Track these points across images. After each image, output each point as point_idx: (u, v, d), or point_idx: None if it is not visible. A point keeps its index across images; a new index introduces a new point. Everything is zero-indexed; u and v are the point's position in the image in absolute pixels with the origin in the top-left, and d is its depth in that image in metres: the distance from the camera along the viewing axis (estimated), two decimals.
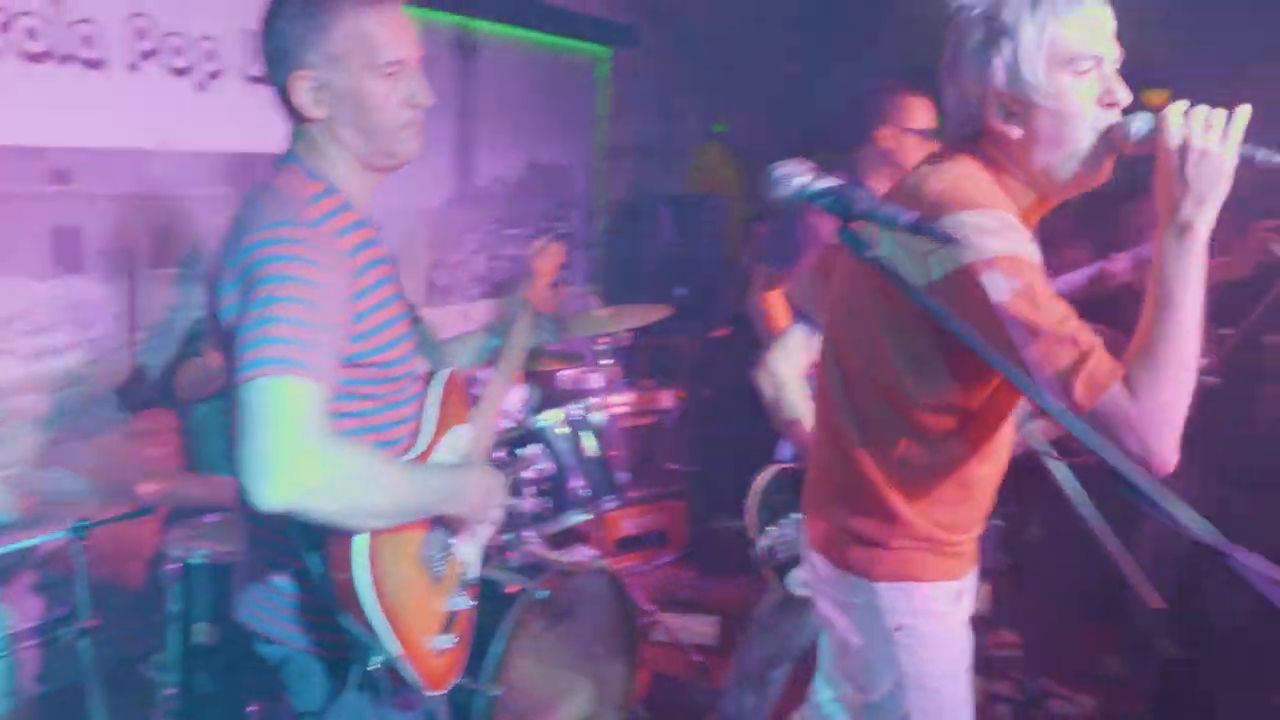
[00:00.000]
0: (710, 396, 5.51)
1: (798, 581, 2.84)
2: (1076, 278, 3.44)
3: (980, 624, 4.23)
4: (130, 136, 3.51)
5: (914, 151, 3.16)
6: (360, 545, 1.65)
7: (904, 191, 1.78)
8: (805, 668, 3.04)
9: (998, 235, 1.60)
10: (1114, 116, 1.67)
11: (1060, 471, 2.05)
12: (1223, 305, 3.63)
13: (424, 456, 1.86)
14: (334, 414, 1.63)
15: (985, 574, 2.49)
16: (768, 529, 2.86)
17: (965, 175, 1.72)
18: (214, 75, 3.76)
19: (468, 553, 2.00)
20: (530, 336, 2.43)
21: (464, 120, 5.09)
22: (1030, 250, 1.63)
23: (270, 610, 1.82)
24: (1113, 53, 1.69)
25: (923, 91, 3.47)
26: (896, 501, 1.84)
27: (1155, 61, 6.95)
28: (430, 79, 4.81)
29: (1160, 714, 3.74)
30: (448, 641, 1.87)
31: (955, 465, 1.83)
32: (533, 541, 3.23)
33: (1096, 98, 1.67)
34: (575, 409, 3.36)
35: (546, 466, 3.12)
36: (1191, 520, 1.20)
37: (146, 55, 3.55)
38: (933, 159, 1.82)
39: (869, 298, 1.79)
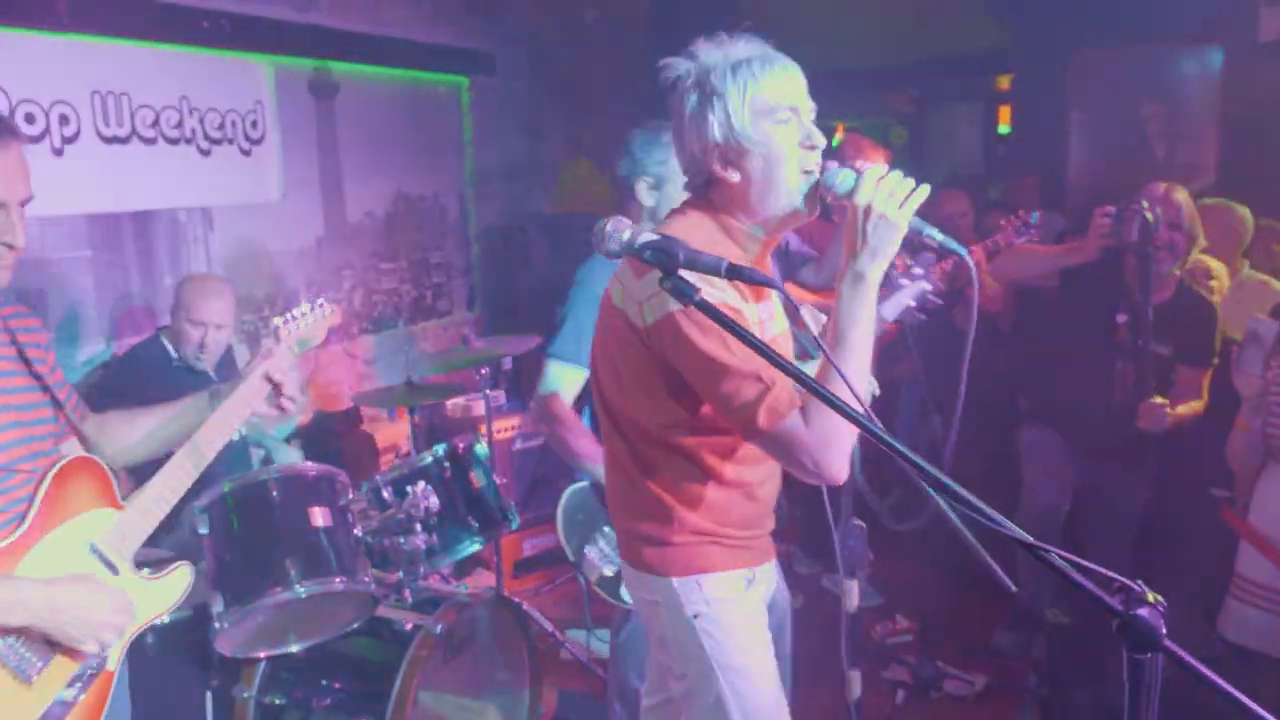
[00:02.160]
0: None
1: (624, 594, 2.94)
2: None
3: (874, 613, 4.37)
4: None
5: None
6: None
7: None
8: None
9: (710, 284, 1.78)
10: (816, 157, 1.94)
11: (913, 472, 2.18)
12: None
13: (16, 549, 1.89)
14: None
15: (850, 572, 2.61)
16: (585, 550, 2.94)
17: (689, 226, 1.98)
18: (69, 139, 3.74)
19: (88, 650, 1.96)
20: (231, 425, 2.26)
21: (329, 159, 5.09)
22: (722, 296, 1.84)
23: None
24: (808, 104, 1.96)
25: None
26: (671, 504, 2.06)
27: (996, 48, 7.28)
28: (292, 120, 4.84)
29: (1050, 682, 3.87)
30: None
31: (712, 472, 2.05)
32: (427, 576, 3.26)
33: (799, 142, 1.93)
34: (457, 440, 3.39)
35: (433, 502, 3.13)
36: (1004, 520, 1.33)
37: None
38: (673, 212, 2.09)
39: (612, 337, 2.03)
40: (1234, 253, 4.33)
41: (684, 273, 1.67)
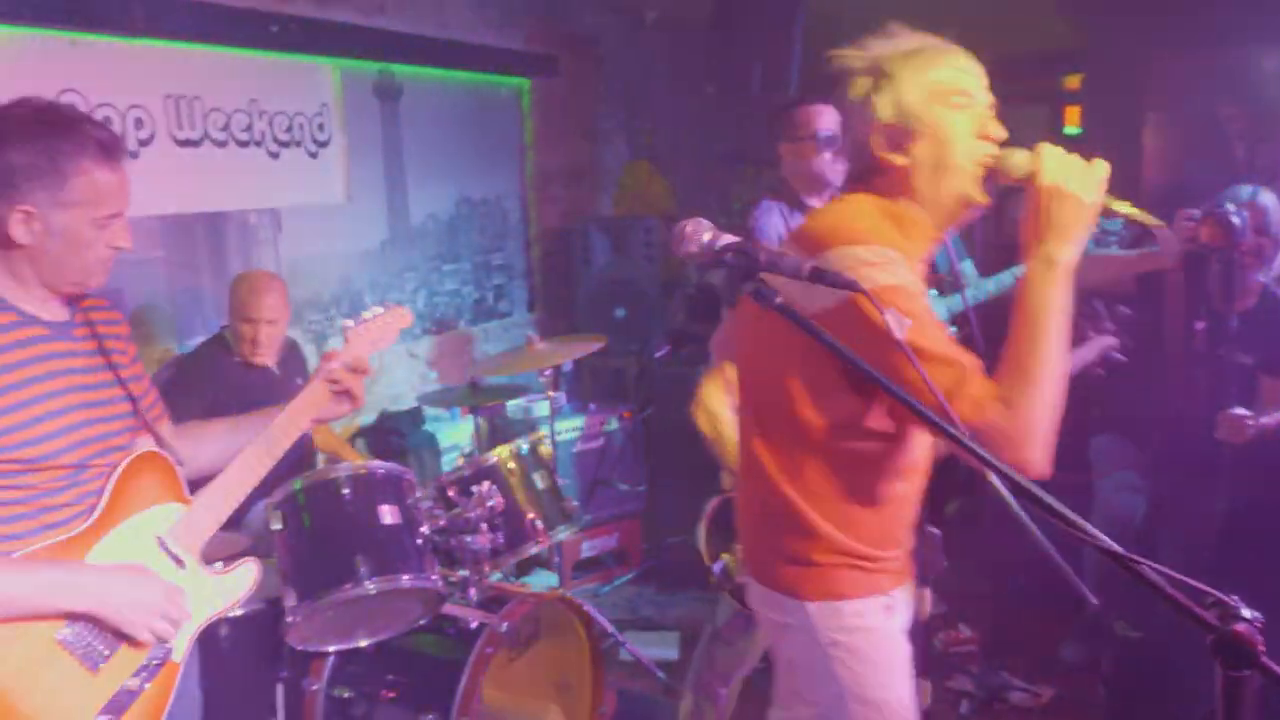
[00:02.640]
0: (655, 415, 5.60)
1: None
2: None
3: (936, 622, 4.33)
4: None
5: (819, 159, 3.27)
6: None
7: (802, 231, 1.96)
8: (754, 684, 3.12)
9: (880, 267, 1.73)
10: (990, 149, 1.84)
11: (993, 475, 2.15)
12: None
13: (85, 539, 1.95)
14: None
15: (924, 580, 2.58)
16: (721, 555, 2.94)
17: (854, 211, 1.89)
18: (144, 142, 3.82)
19: (141, 638, 1.98)
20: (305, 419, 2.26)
21: (393, 161, 5.15)
22: (911, 279, 1.76)
23: None
24: (984, 98, 1.88)
25: (821, 99, 3.56)
26: (816, 521, 1.92)
27: (1064, 48, 7.17)
28: (357, 123, 4.89)
29: (1117, 696, 3.80)
30: None
31: (866, 485, 1.92)
32: (491, 575, 3.28)
33: (973, 131, 1.85)
34: (521, 441, 3.42)
35: (498, 502, 3.17)
36: (1096, 533, 1.27)
37: None
38: (835, 199, 1.98)
39: (773, 336, 1.89)
40: None
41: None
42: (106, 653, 1.94)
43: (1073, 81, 8.42)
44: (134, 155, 3.75)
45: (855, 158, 1.95)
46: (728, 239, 1.66)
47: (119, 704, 1.95)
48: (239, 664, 2.94)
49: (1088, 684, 3.92)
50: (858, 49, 1.92)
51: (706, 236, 1.67)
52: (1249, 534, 3.60)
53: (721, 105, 5.74)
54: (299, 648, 2.89)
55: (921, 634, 2.57)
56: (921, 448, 1.99)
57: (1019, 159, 1.81)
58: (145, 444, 2.15)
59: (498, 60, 5.81)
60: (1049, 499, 1.31)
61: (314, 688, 3.01)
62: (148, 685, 2.00)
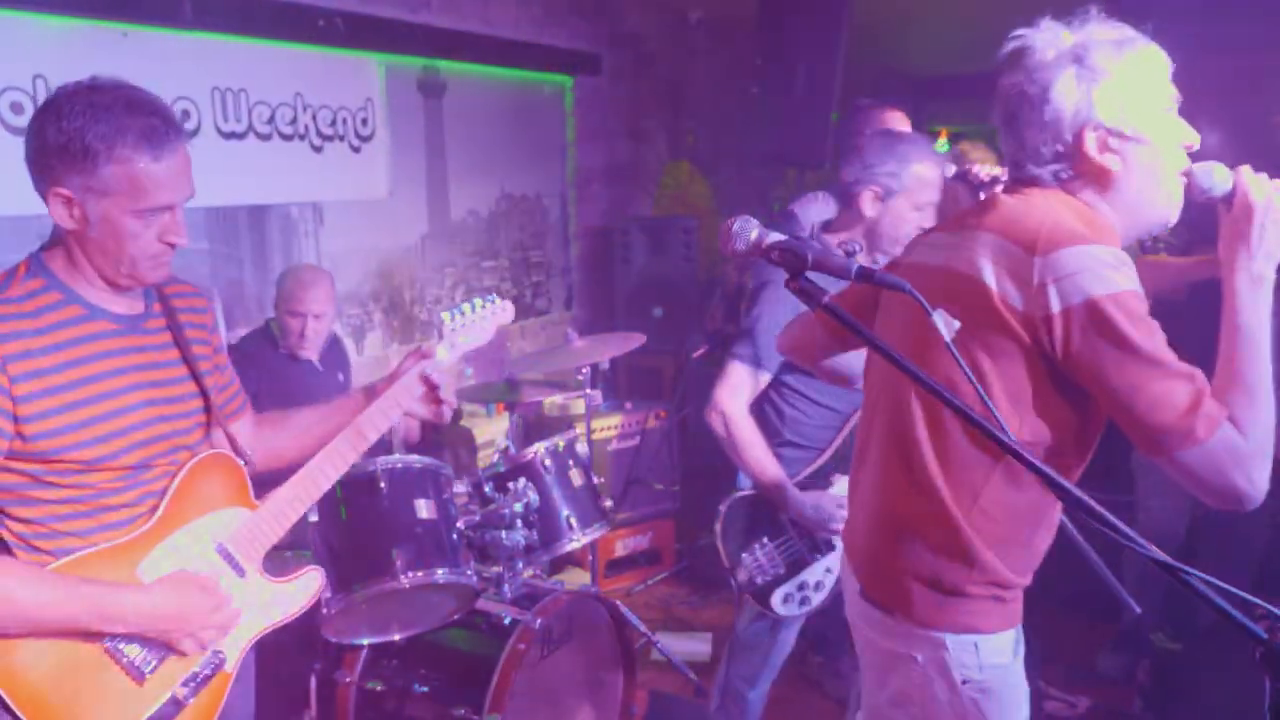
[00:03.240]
0: (691, 415, 5.59)
1: (781, 602, 2.92)
2: None
3: None
4: None
5: None
6: None
7: (994, 227, 1.78)
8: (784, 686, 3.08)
9: (1118, 270, 1.64)
10: (1186, 159, 1.77)
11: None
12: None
13: (143, 542, 1.88)
14: (27, 501, 1.79)
15: None
16: (743, 558, 2.93)
17: (1070, 211, 1.75)
18: (191, 134, 3.83)
19: (186, 650, 1.92)
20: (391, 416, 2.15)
21: (435, 157, 5.17)
22: (1140, 287, 1.66)
23: None
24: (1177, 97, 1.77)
25: (893, 105, 3.53)
26: (975, 544, 1.79)
27: None
28: (401, 119, 4.90)
29: (1156, 708, 3.76)
30: None
31: (1037, 504, 1.81)
32: (525, 572, 3.29)
33: (1178, 140, 1.77)
34: (558, 439, 3.42)
35: (533, 499, 3.17)
36: (1147, 544, 1.24)
37: None
38: (1013, 195, 1.83)
39: (973, 324, 1.71)
40: None
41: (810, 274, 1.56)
42: (154, 661, 1.88)
43: None
44: None
45: (1051, 155, 1.77)
46: (776, 237, 1.62)
47: (165, 715, 1.89)
48: (273, 655, 2.94)
49: (1124, 695, 3.89)
50: (1045, 30, 1.76)
51: (754, 234, 1.64)
52: None
53: (765, 106, 5.69)
54: (333, 640, 2.91)
55: None
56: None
57: (1219, 176, 1.75)
58: (215, 443, 2.08)
59: (541, 58, 5.82)
60: (1099, 508, 1.28)
61: (347, 680, 3.02)
62: (195, 697, 1.93)
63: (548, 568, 4.74)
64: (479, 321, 2.28)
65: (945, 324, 1.44)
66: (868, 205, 2.76)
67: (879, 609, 1.92)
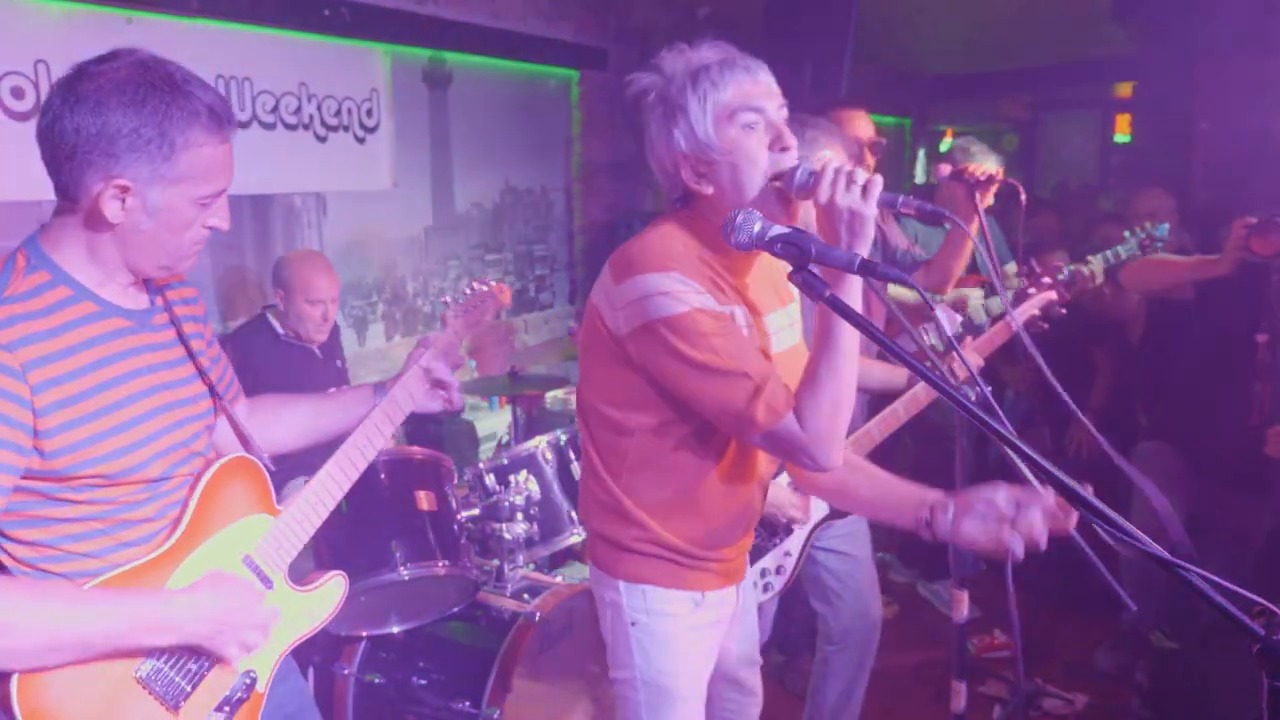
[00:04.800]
0: None
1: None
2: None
3: (972, 627, 4.34)
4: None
5: (858, 162, 3.21)
6: (13, 680, 1.56)
7: (621, 248, 2.00)
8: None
9: (673, 295, 1.83)
10: (790, 159, 1.88)
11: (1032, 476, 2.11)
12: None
13: (168, 560, 1.76)
14: (36, 520, 1.64)
15: (962, 582, 2.55)
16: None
17: (661, 236, 1.95)
18: None
19: (231, 656, 1.81)
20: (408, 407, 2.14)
21: (440, 149, 5.15)
22: (705, 302, 1.84)
23: None
24: (775, 103, 1.91)
25: (860, 104, 3.54)
26: (630, 507, 2.04)
27: (1117, 55, 7.05)
28: (406, 110, 4.89)
29: (1153, 707, 3.76)
30: None
31: (681, 481, 2.03)
32: (525, 565, 3.28)
33: (768, 144, 1.88)
34: (560, 432, 3.41)
35: (534, 492, 3.16)
36: (1146, 538, 1.26)
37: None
38: (650, 225, 2.02)
39: (590, 334, 2.01)
40: None
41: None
42: (188, 689, 1.77)
43: (1124, 89, 8.28)
44: None
45: (669, 185, 1.99)
46: (778, 229, 1.67)
47: None
48: None
49: (1121, 693, 3.90)
50: (651, 70, 1.94)
51: (756, 227, 1.69)
52: None
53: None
54: (331, 632, 2.88)
55: (957, 637, 2.55)
56: (747, 463, 2.08)
57: (799, 177, 1.84)
58: (227, 440, 2.00)
59: (548, 51, 5.80)
60: (1098, 503, 1.29)
61: (345, 672, 3.01)
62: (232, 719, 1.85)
63: (548, 562, 4.72)
64: (478, 303, 2.31)
65: (948, 319, 1.46)
66: None
67: (590, 564, 2.19)
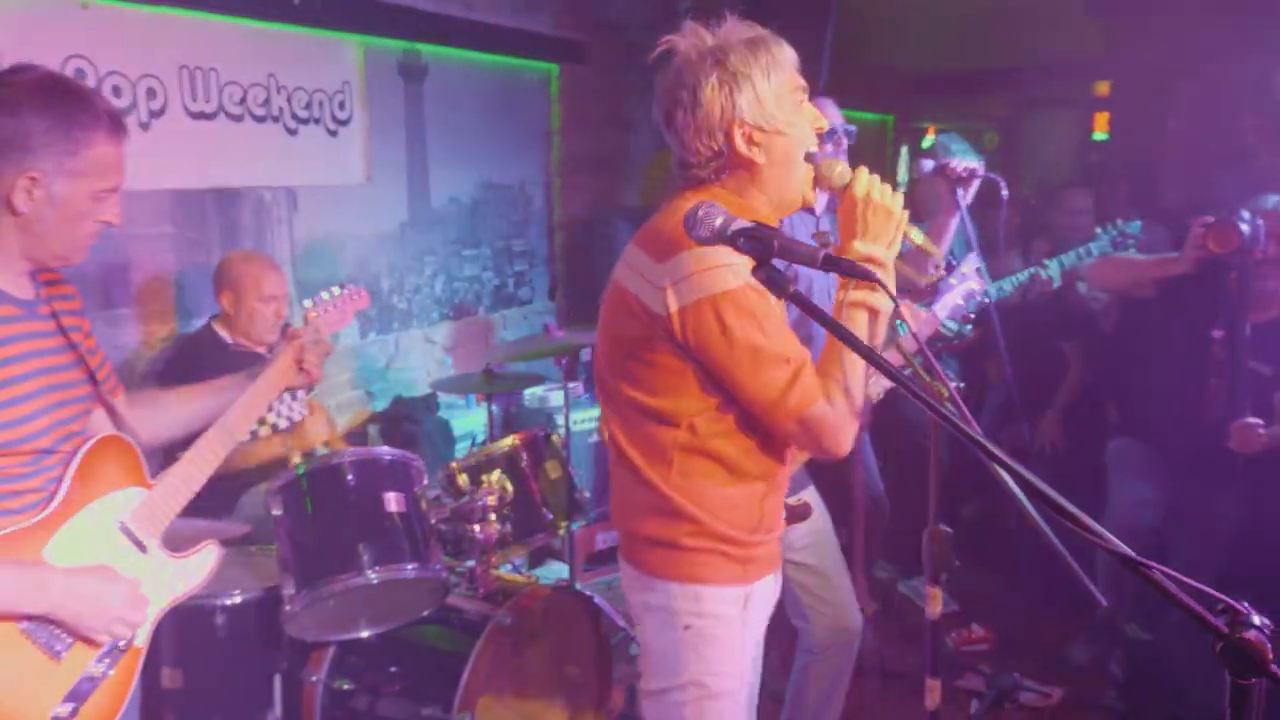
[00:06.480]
0: None
1: None
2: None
3: (949, 620, 4.36)
4: None
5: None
6: None
7: (649, 228, 2.01)
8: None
9: (727, 269, 1.83)
10: (815, 143, 1.98)
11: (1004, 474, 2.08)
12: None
13: (47, 525, 1.93)
14: None
15: (937, 579, 2.53)
16: None
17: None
18: (156, 114, 3.73)
19: (99, 641, 1.99)
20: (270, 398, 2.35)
21: (415, 143, 5.08)
22: (750, 278, 1.80)
23: None
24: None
25: (828, 93, 3.50)
26: (680, 502, 1.99)
27: (1097, 54, 7.07)
28: (380, 103, 4.82)
29: (1127, 698, 3.80)
30: (64, 710, 1.92)
31: (727, 468, 2.00)
32: (499, 566, 3.22)
33: (812, 123, 1.98)
34: (536, 431, 3.35)
35: (507, 491, 3.10)
36: (1110, 537, 1.25)
37: None
38: (678, 195, 2.01)
39: (623, 322, 1.98)
40: None
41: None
42: (69, 639, 1.94)
43: (1102, 88, 8.31)
44: (145, 126, 3.68)
45: (708, 155, 1.97)
46: (741, 223, 1.65)
47: (81, 691, 1.95)
48: (235, 654, 2.87)
49: (1097, 685, 3.93)
50: (690, 35, 1.97)
51: (719, 221, 1.68)
52: (1259, 545, 3.57)
53: None
54: (298, 638, 2.83)
55: (932, 633, 2.53)
56: (776, 448, 2.06)
57: (840, 170, 1.93)
58: (103, 426, 2.15)
59: (526, 44, 5.74)
60: (1064, 502, 1.28)
61: (313, 679, 2.94)
62: (111, 671, 2.01)
63: (527, 561, 4.67)
64: (338, 308, 2.51)
65: (911, 313, 1.46)
66: None
67: (629, 567, 2.13)
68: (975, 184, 3.00)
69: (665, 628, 2.06)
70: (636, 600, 2.13)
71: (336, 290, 2.53)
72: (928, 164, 3.11)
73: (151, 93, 3.70)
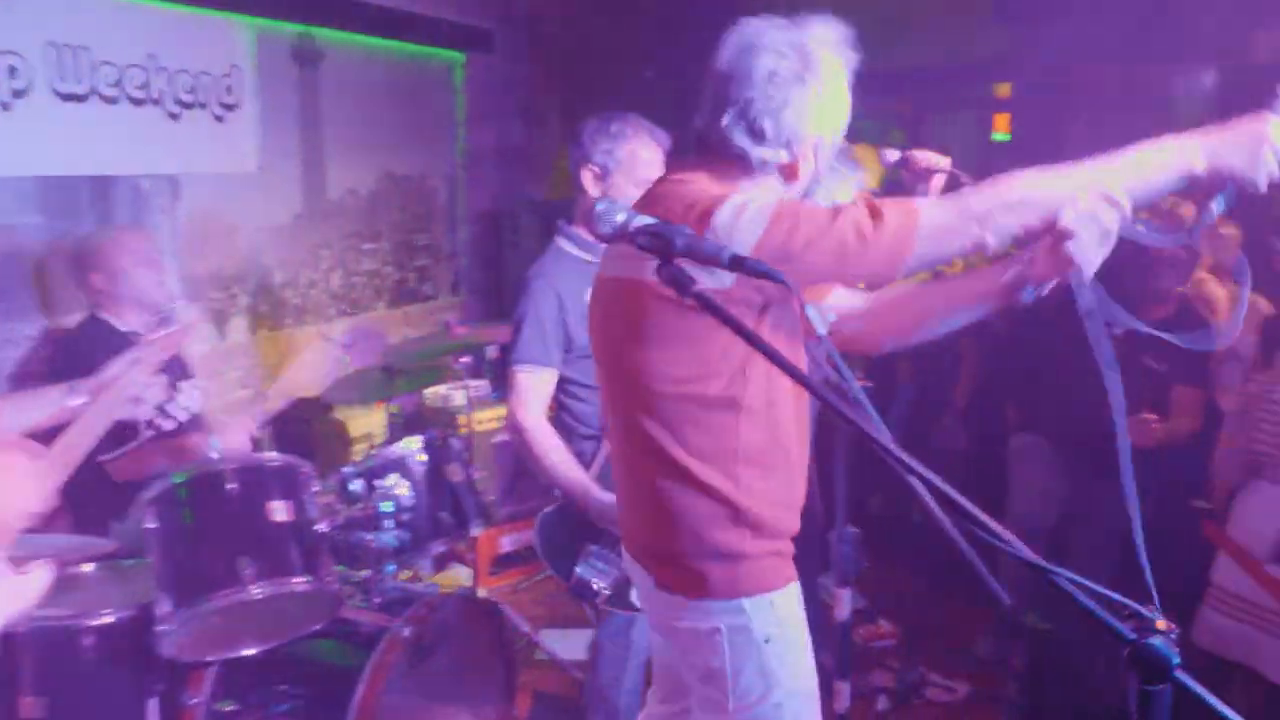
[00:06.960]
0: None
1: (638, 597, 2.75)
2: None
3: (858, 617, 4.35)
4: None
5: None
6: None
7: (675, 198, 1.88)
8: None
9: (755, 199, 1.78)
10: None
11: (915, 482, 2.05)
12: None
13: None
14: None
15: (845, 580, 2.48)
16: (577, 572, 2.72)
17: (701, 181, 1.89)
18: (19, 93, 3.48)
19: None
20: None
21: (310, 131, 4.88)
22: (781, 190, 1.87)
23: None
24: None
25: None
26: (749, 509, 1.89)
27: (998, 55, 7.14)
28: (272, 88, 4.61)
29: (1030, 691, 3.80)
30: None
31: (786, 451, 1.94)
32: (399, 575, 3.07)
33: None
34: (434, 433, 3.20)
35: (405, 497, 2.96)
36: (1016, 541, 1.26)
37: None
38: (672, 173, 1.98)
39: (633, 316, 1.89)
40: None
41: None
42: None
43: (1003, 89, 8.45)
44: (5, 107, 3.43)
45: (737, 135, 1.88)
46: (643, 219, 1.56)
47: None
48: (106, 678, 2.66)
49: (1001, 679, 3.96)
50: (781, 30, 1.89)
51: (620, 217, 1.58)
52: (1151, 529, 3.61)
53: (661, 91, 5.58)
54: (176, 658, 2.63)
55: (841, 636, 2.48)
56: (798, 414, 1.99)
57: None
58: None
59: (429, 31, 5.58)
60: (967, 505, 1.28)
61: (194, 701, 2.74)
62: None
63: (431, 567, 4.52)
64: (166, 339, 2.40)
65: (819, 316, 1.48)
66: (589, 184, 2.92)
67: (674, 597, 1.98)
68: (939, 179, 2.93)
69: (746, 646, 1.93)
70: (696, 627, 1.97)
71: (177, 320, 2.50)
72: (893, 154, 3.04)
73: (13, 70, 3.43)
